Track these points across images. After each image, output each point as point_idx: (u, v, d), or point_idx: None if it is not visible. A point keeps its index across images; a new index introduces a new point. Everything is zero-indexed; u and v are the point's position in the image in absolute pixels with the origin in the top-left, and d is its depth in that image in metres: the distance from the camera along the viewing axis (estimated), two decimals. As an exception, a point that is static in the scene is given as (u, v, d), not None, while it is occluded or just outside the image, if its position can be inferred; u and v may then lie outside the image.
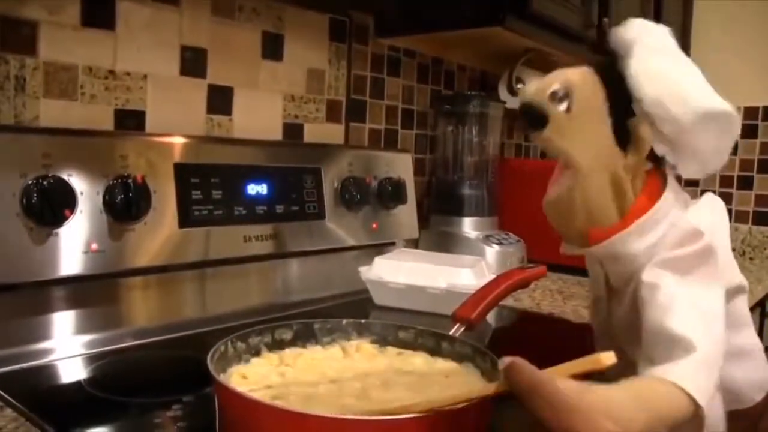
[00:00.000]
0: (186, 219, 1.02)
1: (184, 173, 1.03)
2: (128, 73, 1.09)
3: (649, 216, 0.67)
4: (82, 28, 1.02)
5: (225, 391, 0.58)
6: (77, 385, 0.82)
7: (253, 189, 1.12)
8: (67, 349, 0.91)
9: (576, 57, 1.69)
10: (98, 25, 1.04)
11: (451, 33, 1.53)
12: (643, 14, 1.97)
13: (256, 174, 1.14)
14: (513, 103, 1.82)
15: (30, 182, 0.84)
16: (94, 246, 0.92)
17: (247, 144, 1.19)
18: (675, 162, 0.69)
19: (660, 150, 0.68)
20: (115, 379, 0.85)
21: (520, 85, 1.81)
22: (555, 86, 0.68)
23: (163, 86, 1.14)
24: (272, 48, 1.32)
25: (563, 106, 0.67)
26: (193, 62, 1.18)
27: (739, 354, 0.73)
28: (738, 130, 0.67)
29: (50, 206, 0.85)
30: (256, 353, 0.73)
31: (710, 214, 0.69)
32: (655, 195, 0.69)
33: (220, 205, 1.07)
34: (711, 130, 0.65)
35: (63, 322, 0.92)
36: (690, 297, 0.62)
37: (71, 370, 0.87)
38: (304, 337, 0.78)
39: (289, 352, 0.75)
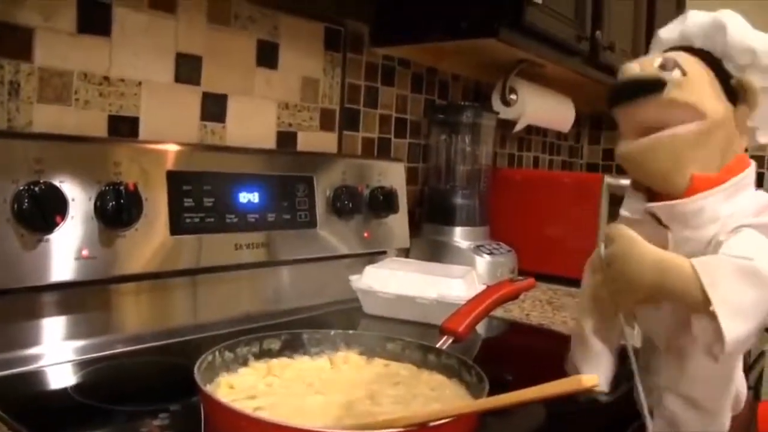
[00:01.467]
0: (177, 226, 1.03)
1: (176, 180, 1.03)
2: (123, 80, 1.09)
3: (739, 179, 0.70)
4: (77, 34, 1.03)
5: (210, 401, 0.59)
6: (63, 392, 0.82)
7: (244, 197, 1.13)
8: (57, 355, 0.91)
9: (569, 69, 1.71)
10: (94, 31, 1.05)
11: (445, 44, 1.54)
12: (637, 27, 1.99)
13: (248, 182, 1.14)
14: (506, 113, 1.83)
15: (21, 188, 0.84)
16: (85, 252, 0.92)
17: (239, 152, 1.19)
18: (756, 125, 0.75)
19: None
20: (103, 387, 0.85)
21: (513, 96, 1.82)
22: (659, 60, 0.72)
23: (158, 93, 1.14)
24: (267, 56, 1.33)
25: (677, 72, 0.70)
26: (187, 69, 1.19)
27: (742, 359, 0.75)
28: None
29: (41, 212, 0.85)
30: (244, 363, 0.74)
31: None
32: (744, 167, 0.72)
33: (212, 213, 1.08)
34: None
35: (53, 328, 0.92)
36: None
37: (59, 376, 0.87)
38: (292, 348, 0.78)
39: (277, 363, 0.76)
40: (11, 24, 0.95)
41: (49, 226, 0.87)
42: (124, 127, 1.10)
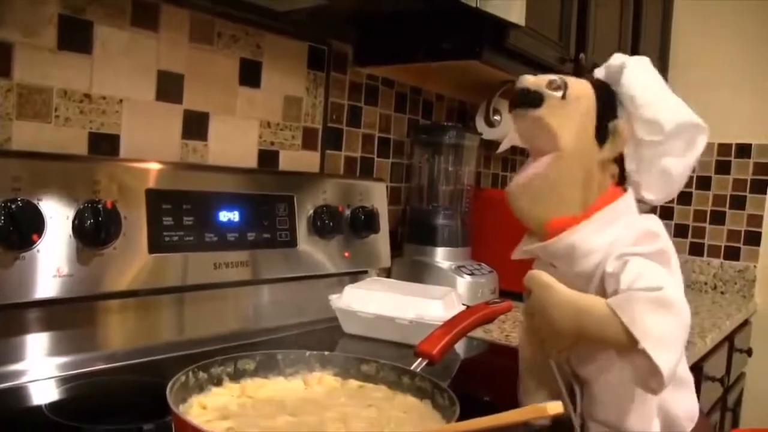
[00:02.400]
0: (156, 245, 1.02)
1: (155, 199, 1.03)
2: (104, 97, 1.09)
3: (607, 211, 0.72)
4: (58, 51, 1.03)
5: (181, 422, 0.59)
6: (38, 410, 0.81)
7: (224, 216, 1.13)
8: (34, 372, 0.90)
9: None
10: (75, 48, 1.05)
11: (429, 64, 1.55)
12: (621, 50, 2.00)
13: (228, 201, 1.14)
14: (490, 134, 1.84)
15: (-2, 206, 0.84)
16: (63, 270, 0.92)
17: (220, 171, 1.19)
18: (640, 180, 0.76)
19: (629, 166, 0.76)
20: (78, 405, 0.85)
21: (497, 117, 1.83)
22: (553, 77, 0.75)
23: (139, 110, 1.14)
24: (250, 75, 1.33)
25: (559, 93, 0.73)
26: (169, 87, 1.19)
27: (678, 382, 0.76)
28: (701, 148, 0.75)
29: (18, 230, 0.85)
30: (218, 383, 0.74)
31: (659, 225, 0.73)
32: (614, 199, 0.74)
33: (191, 232, 1.07)
34: (682, 140, 0.73)
35: (30, 346, 0.92)
36: (658, 269, 0.67)
37: (36, 394, 0.87)
38: (266, 368, 0.78)
39: (251, 383, 0.76)
40: (-9, 41, 0.96)
41: (26, 244, 0.87)
42: (104, 145, 1.10)
